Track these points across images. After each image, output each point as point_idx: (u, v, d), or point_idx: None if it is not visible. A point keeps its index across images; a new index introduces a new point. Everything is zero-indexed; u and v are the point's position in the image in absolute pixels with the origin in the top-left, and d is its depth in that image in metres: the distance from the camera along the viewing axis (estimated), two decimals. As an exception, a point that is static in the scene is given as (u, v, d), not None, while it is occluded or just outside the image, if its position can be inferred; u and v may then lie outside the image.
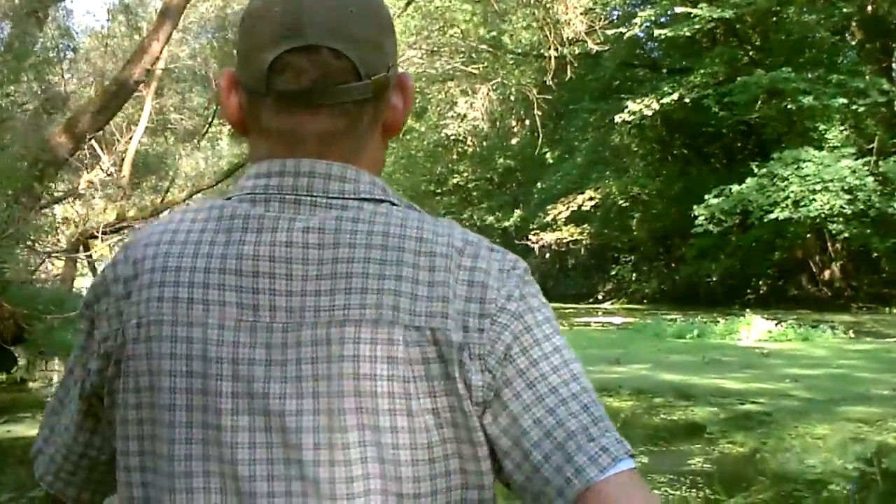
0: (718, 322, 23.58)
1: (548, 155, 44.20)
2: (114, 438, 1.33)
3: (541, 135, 36.28)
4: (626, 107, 35.11)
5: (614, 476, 1.21)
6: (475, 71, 33.91)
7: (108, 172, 29.90)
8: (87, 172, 30.51)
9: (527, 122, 51.00)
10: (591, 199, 39.48)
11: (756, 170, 32.34)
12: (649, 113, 34.65)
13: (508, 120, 51.25)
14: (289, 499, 1.21)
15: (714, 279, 38.26)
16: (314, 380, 1.22)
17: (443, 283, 1.25)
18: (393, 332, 1.21)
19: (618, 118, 35.32)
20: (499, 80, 43.67)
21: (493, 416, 1.24)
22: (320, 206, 1.29)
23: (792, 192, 30.81)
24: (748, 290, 37.37)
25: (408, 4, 34.11)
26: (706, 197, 32.78)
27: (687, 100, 34.37)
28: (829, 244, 36.72)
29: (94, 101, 21.31)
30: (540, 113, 34.50)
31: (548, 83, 38.67)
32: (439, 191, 53.76)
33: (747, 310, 25.42)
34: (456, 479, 1.25)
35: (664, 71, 38.21)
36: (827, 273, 37.59)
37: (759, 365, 15.99)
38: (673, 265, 40.57)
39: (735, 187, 32.40)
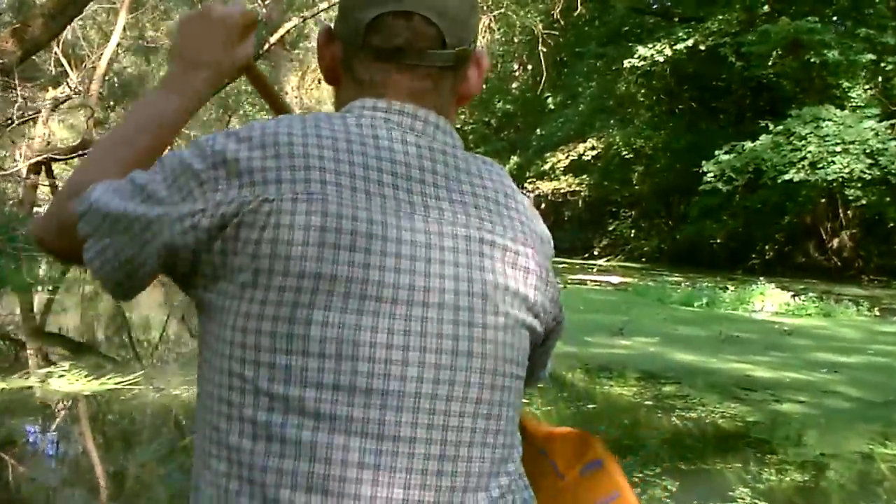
0: (727, 289, 21.31)
1: (549, 101, 41.81)
2: (200, 290, 1.36)
3: (544, 77, 33.57)
4: (637, 52, 32.61)
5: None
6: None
7: (76, 90, 27.51)
8: (52, 90, 28.18)
9: (529, 66, 48.82)
10: (592, 148, 37.04)
11: (771, 126, 29.93)
12: (660, 59, 32.23)
13: (509, 63, 48.89)
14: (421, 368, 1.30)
15: (718, 241, 35.86)
16: (455, 278, 1.33)
17: (536, 221, 1.50)
18: (529, 262, 1.41)
19: (626, 63, 32.96)
20: (501, 10, 41.37)
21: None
22: (437, 151, 1.42)
23: (809, 152, 28.58)
24: (753, 255, 35.07)
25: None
26: (716, 153, 30.44)
27: (702, 47, 32.00)
28: (840, 210, 34.35)
29: (47, 4, 18.88)
30: (545, 50, 31.77)
31: (554, 20, 36.50)
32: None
33: (761, 278, 23.00)
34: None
35: (676, 20, 35.48)
36: (836, 241, 35.24)
37: (783, 346, 13.71)
38: (674, 224, 38.12)
39: (748, 144, 30.09)
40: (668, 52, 31.82)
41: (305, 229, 1.27)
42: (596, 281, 26.74)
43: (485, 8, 30.78)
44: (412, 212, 1.33)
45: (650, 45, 32.39)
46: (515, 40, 46.08)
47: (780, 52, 30.99)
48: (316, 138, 1.34)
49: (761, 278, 22.57)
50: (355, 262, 1.28)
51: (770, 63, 31.78)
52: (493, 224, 1.38)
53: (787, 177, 28.88)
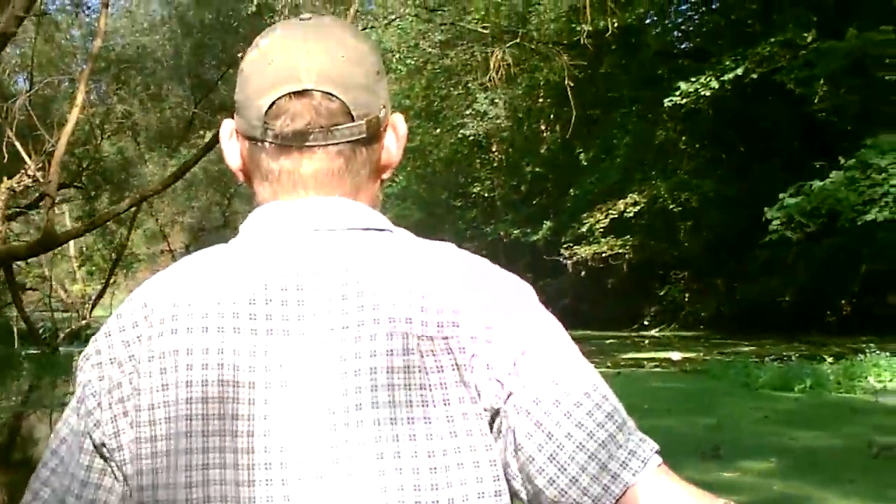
0: (824, 360, 16.36)
1: (581, 157, 36.79)
2: (120, 482, 1.33)
3: (572, 124, 28.78)
4: (678, 88, 27.67)
5: (646, 475, 1.25)
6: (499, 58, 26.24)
7: (34, 178, 23.08)
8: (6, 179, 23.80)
9: (557, 126, 44.03)
10: (634, 203, 31.89)
11: (843, 160, 24.86)
12: (706, 93, 27.11)
13: (535, 125, 44.12)
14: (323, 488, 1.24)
15: (786, 298, 30.57)
16: (331, 394, 1.24)
17: (452, 296, 1.28)
18: (408, 343, 1.24)
19: (667, 102, 27.86)
20: (524, 66, 37.11)
21: (525, 433, 1.25)
22: (330, 238, 1.33)
23: (893, 186, 23.36)
24: (828, 312, 29.72)
25: None
26: (780, 196, 25.31)
27: (753, 76, 26.84)
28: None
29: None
30: (571, 100, 27.05)
31: (581, 71, 32.38)
32: (459, 203, 46.36)
33: (870, 345, 17.68)
34: (471, 487, 1.26)
35: (713, 60, 30.02)
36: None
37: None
38: (732, 283, 32.79)
39: (816, 183, 24.93)
40: (714, 84, 26.90)
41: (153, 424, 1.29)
42: (653, 359, 21.74)
43: (508, 66, 26.08)
44: (268, 340, 1.27)
45: (693, 79, 27.44)
46: (540, 100, 41.59)
47: (841, 75, 25.97)
48: (178, 283, 1.33)
49: (870, 345, 17.33)
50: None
51: (828, 89, 26.92)
52: (365, 324, 1.26)
53: (868, 217, 23.74)
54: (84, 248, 38.52)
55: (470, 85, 38.34)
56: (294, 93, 1.32)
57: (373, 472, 1.22)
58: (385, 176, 1.46)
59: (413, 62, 37.38)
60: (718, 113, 33.04)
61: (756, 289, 30.33)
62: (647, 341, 29.35)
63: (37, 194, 25.51)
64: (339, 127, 1.34)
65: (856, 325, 28.28)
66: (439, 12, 26.60)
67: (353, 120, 1.34)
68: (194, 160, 23.41)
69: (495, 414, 1.26)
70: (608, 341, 28.95)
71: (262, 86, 1.34)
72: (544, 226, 37.37)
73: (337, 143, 1.35)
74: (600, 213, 32.35)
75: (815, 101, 28.48)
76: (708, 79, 27.04)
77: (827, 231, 26.30)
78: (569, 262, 33.34)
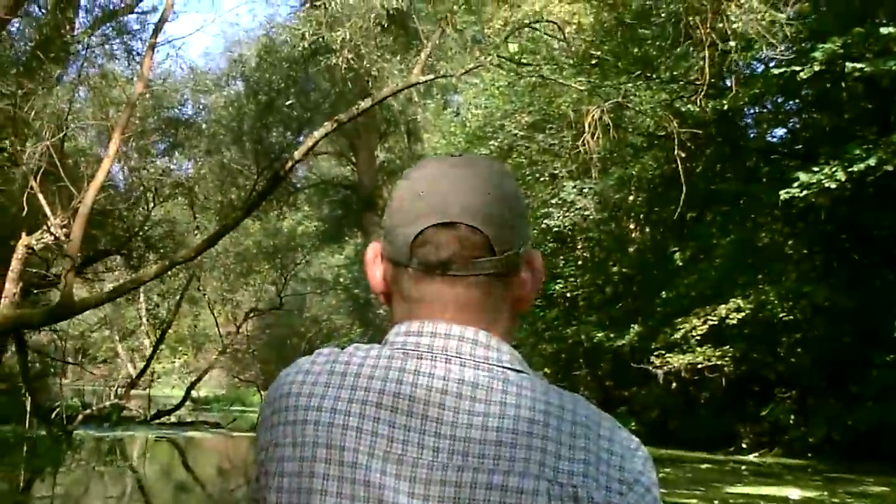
0: None
1: (676, 256, 32.68)
2: None
3: (680, 206, 24.88)
4: (797, 179, 23.62)
5: None
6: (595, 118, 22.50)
7: (56, 235, 19.77)
8: (25, 235, 20.53)
9: (647, 228, 40.16)
10: (737, 310, 27.49)
11: None
12: (831, 185, 22.98)
13: (624, 223, 40.27)
14: None
15: (916, 429, 26.03)
16: None
17: (584, 448, 1.32)
18: (539, 485, 1.28)
19: (783, 194, 23.77)
20: (616, 157, 33.76)
21: None
22: (469, 367, 1.36)
23: None
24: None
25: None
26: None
27: (889, 167, 22.67)
28: None
29: None
30: (683, 175, 23.30)
31: (673, 168, 28.73)
32: (540, 302, 42.29)
33: None
34: None
35: (821, 160, 25.82)
36: None
37: None
38: (846, 405, 28.18)
39: None
40: (840, 175, 22.79)
41: (283, 475, 1.35)
42: (766, 497, 17.42)
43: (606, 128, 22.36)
44: (402, 452, 1.31)
45: (816, 169, 23.37)
46: (631, 196, 37.85)
47: None
48: (327, 376, 1.39)
49: None
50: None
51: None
52: (487, 459, 1.30)
53: None
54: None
55: (557, 173, 34.82)
56: (441, 224, 1.39)
57: None
58: (520, 309, 1.48)
59: (498, 144, 34.08)
60: (830, 217, 28.99)
61: (875, 414, 25.82)
62: (744, 467, 25.02)
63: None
64: (481, 259, 1.39)
65: None
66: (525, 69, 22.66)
67: (494, 254, 1.40)
68: (233, 223, 19.94)
69: None
70: (703, 465, 24.66)
71: (411, 215, 1.42)
72: (631, 330, 33.22)
73: (478, 275, 1.40)
74: (697, 318, 28.12)
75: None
76: (834, 169, 22.95)
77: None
78: (659, 371, 29.01)
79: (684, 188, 24.01)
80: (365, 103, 19.72)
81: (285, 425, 1.37)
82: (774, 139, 36.07)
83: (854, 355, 27.69)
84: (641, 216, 39.71)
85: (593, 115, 22.05)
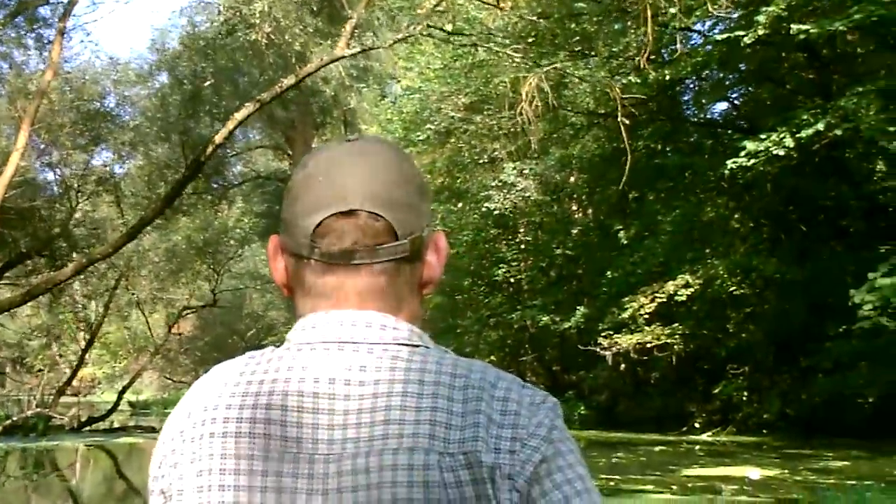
0: None
1: (620, 235, 31.67)
2: None
3: (623, 179, 23.91)
4: (744, 148, 22.66)
5: None
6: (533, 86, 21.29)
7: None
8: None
9: (589, 210, 39.22)
10: (686, 286, 26.48)
11: None
12: (779, 153, 22.02)
13: (566, 204, 39.33)
14: None
15: (869, 399, 25.13)
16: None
17: (475, 411, 1.30)
18: (429, 458, 1.26)
19: (730, 164, 22.80)
20: (556, 138, 32.82)
21: None
22: (362, 352, 1.35)
23: None
24: (918, 418, 24.35)
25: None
26: (871, 276, 20.33)
27: (838, 131, 21.75)
28: None
29: None
30: (627, 141, 22.31)
31: (618, 147, 27.96)
32: (483, 287, 41.20)
33: None
34: None
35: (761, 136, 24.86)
36: None
37: None
38: (799, 380, 27.31)
39: None
40: (788, 142, 21.81)
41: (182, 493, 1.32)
42: (726, 478, 16.45)
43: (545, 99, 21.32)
44: (297, 450, 1.29)
45: (764, 136, 22.39)
46: (572, 179, 36.96)
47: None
48: (218, 388, 1.37)
49: None
50: None
51: None
52: (375, 440, 1.29)
53: None
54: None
55: (497, 155, 33.80)
56: (341, 213, 1.37)
57: None
58: (426, 291, 1.47)
59: (435, 128, 33.01)
60: (776, 189, 28.22)
61: (828, 387, 24.98)
62: (698, 448, 24.12)
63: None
64: (384, 246, 1.37)
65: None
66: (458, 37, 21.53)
67: (397, 239, 1.38)
68: (153, 215, 18.61)
69: None
70: (656, 448, 23.68)
71: (310, 205, 1.38)
72: (577, 312, 32.22)
73: (381, 262, 1.38)
74: (645, 297, 27.06)
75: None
76: (782, 136, 21.99)
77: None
78: (607, 352, 27.94)
79: (629, 156, 22.94)
80: (289, 80, 18.48)
81: (183, 442, 1.34)
82: (716, 114, 35.43)
83: (806, 328, 26.88)
84: (584, 197, 38.79)
85: (531, 84, 20.90)
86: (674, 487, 14.97)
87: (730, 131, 31.44)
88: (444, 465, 1.25)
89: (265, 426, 1.30)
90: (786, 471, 17.41)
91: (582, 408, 33.41)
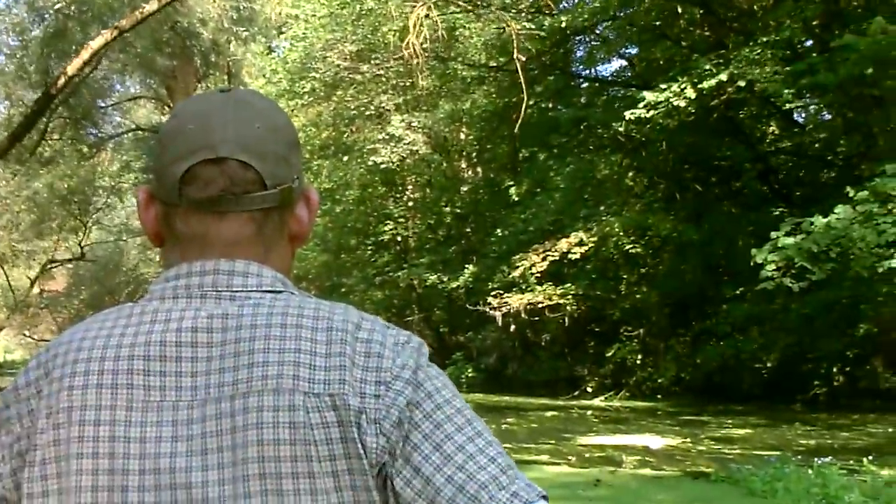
0: (860, 464, 10.48)
1: (512, 191, 30.27)
2: None
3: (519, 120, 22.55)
4: (643, 99, 21.37)
5: None
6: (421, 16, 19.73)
7: None
8: None
9: (479, 169, 37.78)
10: (580, 244, 25.07)
11: (851, 191, 19.02)
12: (680, 104, 20.77)
13: (456, 161, 37.83)
14: None
15: (767, 364, 24.18)
16: (219, 451, 1.24)
17: (340, 353, 1.28)
18: (294, 399, 1.24)
19: (629, 115, 21.51)
20: (446, 90, 31.48)
21: (405, 480, 1.26)
22: (224, 299, 1.33)
23: None
24: (816, 382, 23.41)
25: None
26: (774, 235, 19.22)
27: (741, 83, 20.56)
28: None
29: None
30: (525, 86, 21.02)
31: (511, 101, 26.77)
32: (370, 246, 39.60)
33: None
34: None
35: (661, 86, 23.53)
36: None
37: None
38: (695, 344, 26.25)
39: (819, 220, 18.97)
40: (690, 93, 20.56)
41: (37, 450, 1.28)
42: (626, 448, 15.12)
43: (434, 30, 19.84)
44: (161, 399, 1.27)
45: (665, 86, 21.10)
46: (462, 136, 35.52)
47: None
48: (79, 342, 1.33)
49: None
50: (98, 470, 1.25)
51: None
52: (240, 383, 1.26)
53: (893, 263, 17.83)
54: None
55: (385, 106, 32.21)
56: (209, 160, 1.33)
57: None
58: (297, 245, 1.46)
59: (320, 77, 31.35)
60: (672, 147, 27.07)
61: (726, 352, 23.94)
62: (590, 413, 22.89)
63: None
64: (252, 194, 1.35)
65: (842, 399, 22.48)
66: None
67: (265, 188, 1.36)
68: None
69: (381, 468, 1.26)
70: (548, 413, 22.37)
71: (179, 153, 1.35)
72: (466, 271, 30.79)
73: (249, 210, 1.35)
74: (536, 255, 25.60)
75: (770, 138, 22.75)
76: (683, 86, 20.72)
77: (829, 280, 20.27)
78: (497, 312, 26.46)
79: (525, 95, 21.54)
80: (150, 6, 16.55)
81: (39, 398, 1.31)
82: (610, 72, 34.38)
83: (702, 290, 25.90)
84: (474, 154, 37.34)
85: (419, 14, 19.31)
86: (571, 458, 13.60)
87: (623, 89, 30.15)
88: (309, 406, 1.24)
89: (127, 377, 1.27)
90: (687, 439, 16.19)
91: (470, 370, 32.02)
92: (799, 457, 12.00)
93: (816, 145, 27.60)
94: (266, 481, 1.22)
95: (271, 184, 1.35)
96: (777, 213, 24.96)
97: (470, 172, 38.41)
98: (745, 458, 13.21)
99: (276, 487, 1.22)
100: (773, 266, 19.18)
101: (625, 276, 28.40)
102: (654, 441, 15.79)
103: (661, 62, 28.61)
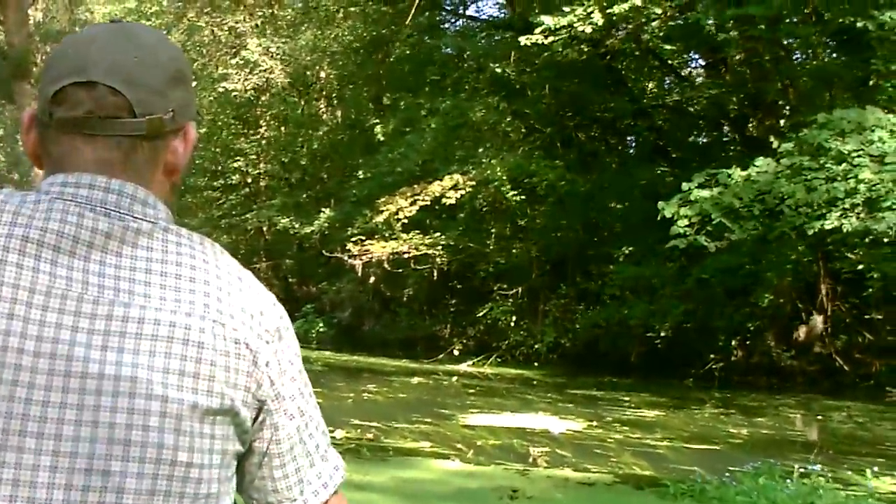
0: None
1: (377, 130, 26.84)
2: None
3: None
4: (540, 24, 18.17)
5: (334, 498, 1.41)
6: None
7: None
8: None
9: (338, 112, 34.26)
10: (455, 187, 21.69)
11: (776, 142, 16.36)
12: (586, 29, 17.66)
13: (315, 101, 34.26)
14: (83, 443, 1.20)
15: (661, 333, 21.29)
16: (119, 351, 1.22)
17: (239, 296, 1.31)
18: (204, 323, 1.26)
19: (524, 40, 18.35)
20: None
21: (253, 434, 1.33)
22: (133, 220, 1.31)
23: (864, 181, 15.00)
24: (712, 355, 20.67)
25: None
26: (687, 187, 16.44)
27: (657, 9, 17.57)
28: (822, 284, 20.81)
29: None
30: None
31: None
32: (218, 186, 35.82)
33: None
34: (228, 458, 1.30)
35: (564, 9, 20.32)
36: (803, 331, 21.45)
37: None
38: (580, 306, 23.27)
39: (737, 172, 16.27)
40: (597, 18, 17.40)
41: None
42: (517, 430, 11.89)
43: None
44: (66, 287, 1.24)
45: (567, 10, 17.87)
46: (323, 74, 32.04)
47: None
48: None
49: None
50: None
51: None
52: (153, 298, 1.26)
53: (826, 224, 15.20)
54: None
55: (241, 29, 28.56)
56: (79, 83, 1.32)
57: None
58: (173, 179, 1.43)
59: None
60: (554, 93, 24.09)
61: (613, 316, 21.01)
62: (457, 380, 19.75)
63: None
64: (120, 120, 1.32)
65: (732, 377, 19.95)
66: None
67: (135, 116, 1.33)
68: None
69: (257, 404, 1.31)
70: (413, 379, 19.10)
71: (54, 75, 1.34)
72: (321, 216, 27.29)
73: (116, 136, 1.33)
74: (404, 198, 22.17)
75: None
76: (590, 9, 17.57)
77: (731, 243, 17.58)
78: (357, 261, 22.99)
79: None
80: None
81: None
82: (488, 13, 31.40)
83: (583, 249, 22.96)
84: (334, 95, 33.83)
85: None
86: (460, 448, 10.32)
87: (501, 29, 26.89)
88: (217, 333, 1.26)
89: (34, 260, 1.24)
90: (592, 422, 13.06)
91: (321, 325, 28.46)
92: (774, 457, 8.95)
93: (703, 102, 24.92)
94: (168, 365, 1.22)
95: (140, 112, 1.32)
96: (658, 171, 22.48)
97: (329, 115, 34.89)
98: (681, 455, 10.30)
99: (180, 368, 1.23)
100: (685, 222, 16.30)
101: (502, 228, 25.07)
102: (553, 423, 12.65)
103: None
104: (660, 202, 16.83)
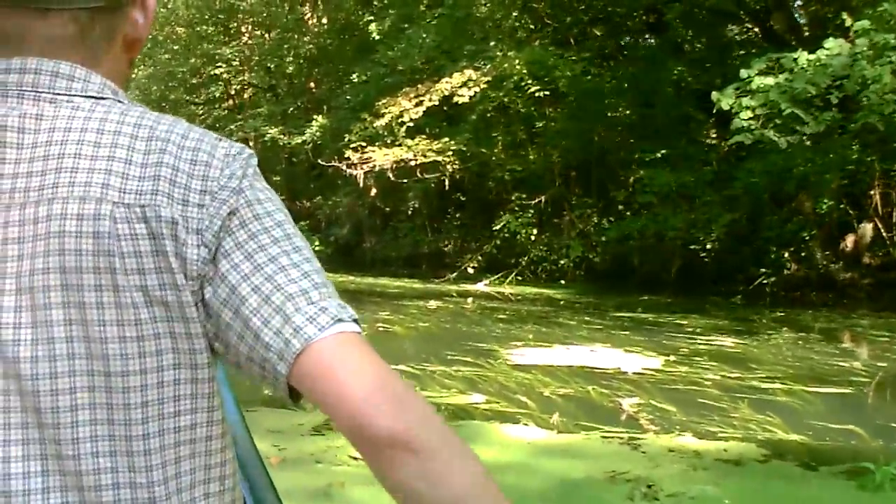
0: None
1: (372, 28, 23.99)
2: None
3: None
4: None
5: (333, 336, 1.12)
6: None
7: None
8: None
9: (325, 19, 31.35)
10: (466, 84, 18.90)
11: (849, 20, 13.88)
12: None
13: (302, 7, 31.36)
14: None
15: (708, 246, 18.69)
16: (19, 260, 1.14)
17: (158, 163, 1.16)
18: (100, 208, 1.14)
19: None
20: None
21: (213, 290, 1.15)
22: (44, 101, 1.20)
23: None
24: (763, 270, 18.16)
25: None
26: (745, 74, 13.95)
27: None
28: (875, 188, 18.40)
29: None
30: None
31: None
32: (200, 102, 33.07)
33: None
34: (167, 358, 1.14)
35: None
36: (850, 240, 19.01)
37: None
38: (610, 217, 20.62)
39: (803, 56, 13.71)
40: None
41: None
42: (581, 372, 9.35)
43: None
44: None
45: None
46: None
47: None
48: None
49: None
50: None
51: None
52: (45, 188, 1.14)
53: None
54: None
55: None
56: None
57: (62, 340, 1.11)
58: (132, 55, 1.32)
59: None
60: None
61: (650, 226, 18.45)
62: (472, 301, 17.24)
63: None
64: None
65: (788, 292, 17.58)
66: None
67: None
68: None
69: (202, 282, 1.15)
70: (431, 303, 16.56)
71: None
72: (313, 124, 24.55)
73: (71, 8, 1.21)
74: (408, 99, 19.41)
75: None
76: None
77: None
78: (357, 172, 20.30)
79: None
80: None
81: None
82: None
83: (610, 153, 20.35)
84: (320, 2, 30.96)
85: None
86: (526, 403, 7.75)
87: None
88: (117, 216, 1.13)
89: None
90: (668, 356, 10.42)
91: (317, 243, 25.69)
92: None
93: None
94: (67, 293, 1.12)
95: None
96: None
97: (314, 20, 32.00)
98: (811, 405, 7.85)
99: (78, 300, 1.12)
100: (748, 114, 13.70)
101: (509, 134, 22.33)
102: (620, 358, 10.09)
103: None
104: (714, 93, 14.23)
